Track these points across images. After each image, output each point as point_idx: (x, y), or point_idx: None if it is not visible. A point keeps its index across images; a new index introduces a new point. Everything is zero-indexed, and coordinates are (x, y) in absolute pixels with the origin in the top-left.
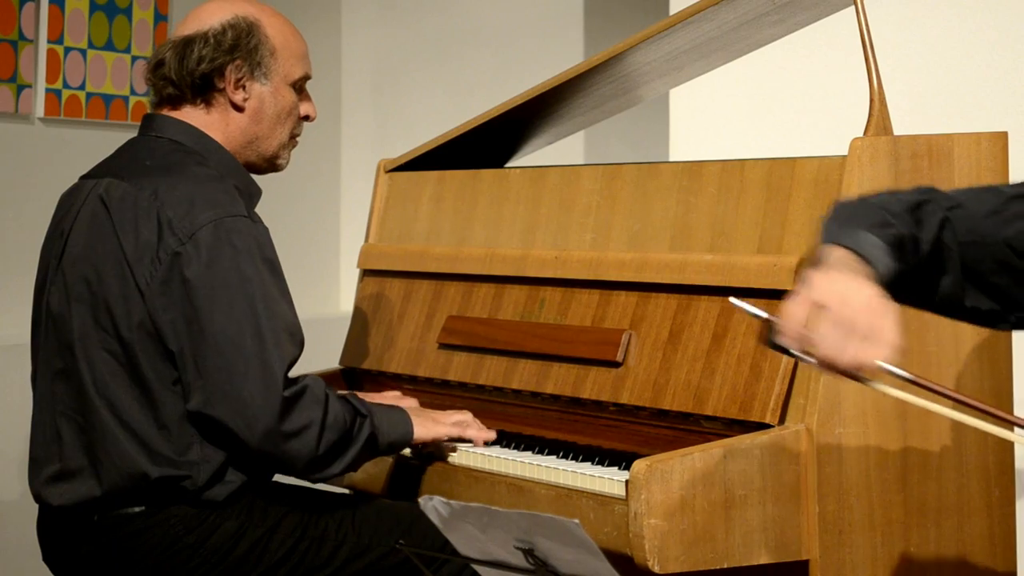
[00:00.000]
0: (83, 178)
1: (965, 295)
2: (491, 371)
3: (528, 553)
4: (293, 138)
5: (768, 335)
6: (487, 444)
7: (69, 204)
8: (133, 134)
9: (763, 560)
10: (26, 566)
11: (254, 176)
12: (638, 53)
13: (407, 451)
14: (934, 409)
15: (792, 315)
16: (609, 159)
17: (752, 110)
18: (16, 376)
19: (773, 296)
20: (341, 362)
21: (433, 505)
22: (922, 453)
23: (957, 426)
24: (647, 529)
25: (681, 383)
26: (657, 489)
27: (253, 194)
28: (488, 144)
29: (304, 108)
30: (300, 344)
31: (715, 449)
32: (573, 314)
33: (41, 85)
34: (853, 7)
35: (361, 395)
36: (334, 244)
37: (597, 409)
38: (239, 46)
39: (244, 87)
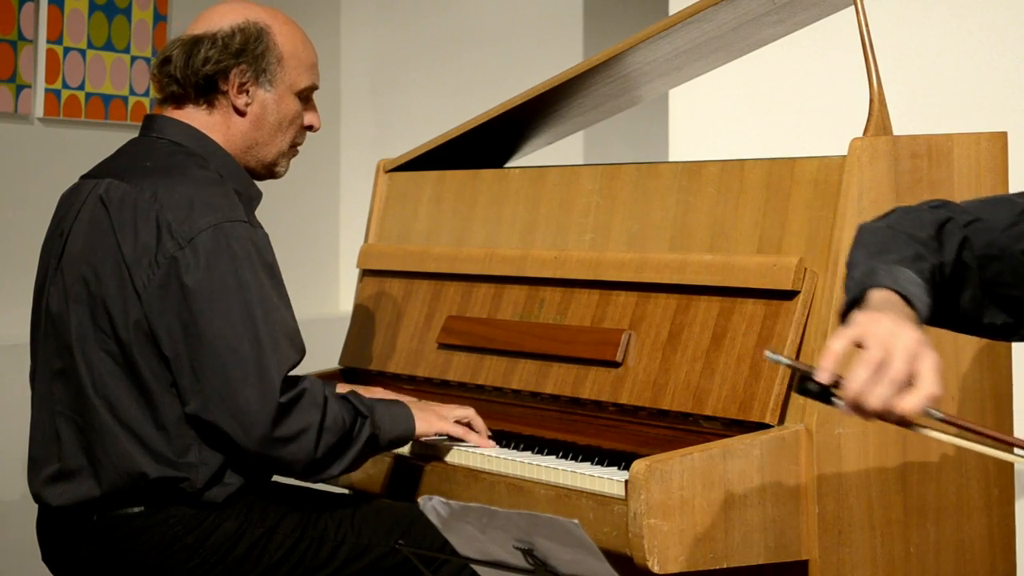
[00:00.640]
0: (83, 178)
1: (984, 311)
2: (490, 371)
3: (527, 553)
4: (294, 147)
5: (800, 382)
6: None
7: (69, 204)
8: (132, 134)
9: (762, 560)
10: (25, 566)
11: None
12: (638, 53)
13: (406, 448)
14: (976, 449)
15: (831, 353)
16: (609, 159)
17: (752, 110)
18: (16, 376)
19: (772, 296)
20: (340, 362)
21: (432, 505)
22: (921, 453)
23: None
24: (646, 529)
25: (680, 383)
26: (656, 489)
27: (253, 197)
28: (488, 144)
29: (308, 118)
30: (300, 350)
31: (714, 449)
32: (572, 314)
33: (40, 85)
34: (853, 7)
35: (362, 389)
36: (333, 244)
37: (596, 409)
38: (246, 51)
39: (247, 92)
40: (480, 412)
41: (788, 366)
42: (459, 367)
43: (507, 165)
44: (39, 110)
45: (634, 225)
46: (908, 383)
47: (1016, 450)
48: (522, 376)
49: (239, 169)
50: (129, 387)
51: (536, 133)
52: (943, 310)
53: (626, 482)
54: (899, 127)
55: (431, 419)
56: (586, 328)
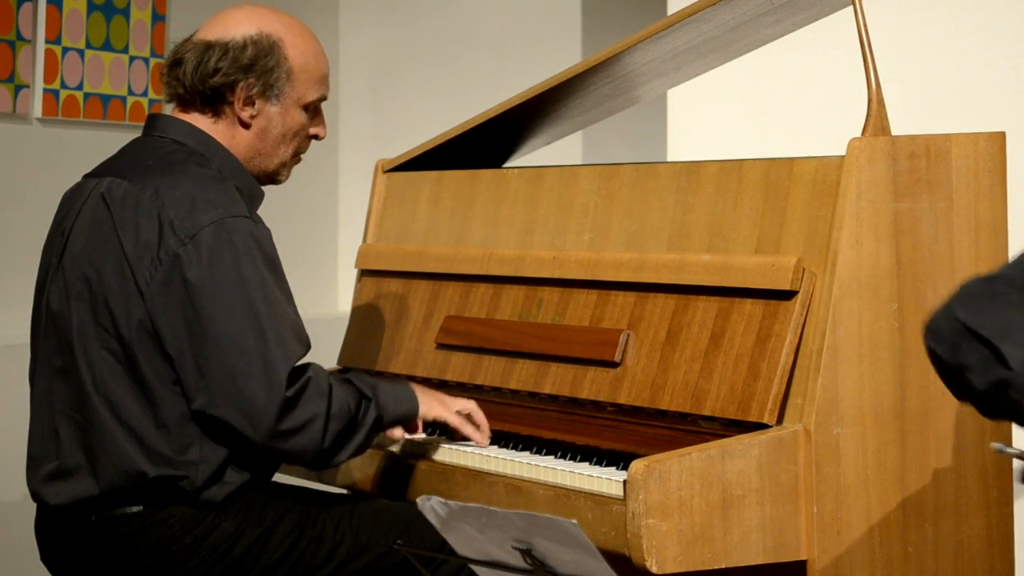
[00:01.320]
0: (86, 177)
1: None
2: (489, 371)
3: (526, 553)
4: (297, 155)
5: None
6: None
7: (71, 203)
8: (131, 134)
9: (761, 560)
10: (24, 565)
11: None
12: (636, 53)
13: (404, 447)
14: None
15: None
16: (607, 159)
17: (750, 110)
18: (16, 375)
19: (770, 296)
20: (339, 362)
21: (431, 505)
22: (920, 453)
23: (955, 426)
24: (645, 529)
25: (679, 383)
26: (655, 489)
27: (255, 196)
28: (486, 144)
29: (314, 128)
30: (305, 344)
31: (713, 449)
32: (571, 314)
33: (39, 85)
34: (851, 7)
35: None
36: (332, 244)
37: (595, 409)
38: (255, 65)
39: (253, 105)
40: None
41: (1017, 457)
42: (457, 367)
43: (506, 165)
44: (37, 110)
45: (632, 225)
46: None
47: None
48: (520, 376)
49: (241, 168)
50: (130, 385)
51: (534, 133)
52: None
53: (624, 482)
54: (897, 127)
55: (433, 403)
56: (584, 328)
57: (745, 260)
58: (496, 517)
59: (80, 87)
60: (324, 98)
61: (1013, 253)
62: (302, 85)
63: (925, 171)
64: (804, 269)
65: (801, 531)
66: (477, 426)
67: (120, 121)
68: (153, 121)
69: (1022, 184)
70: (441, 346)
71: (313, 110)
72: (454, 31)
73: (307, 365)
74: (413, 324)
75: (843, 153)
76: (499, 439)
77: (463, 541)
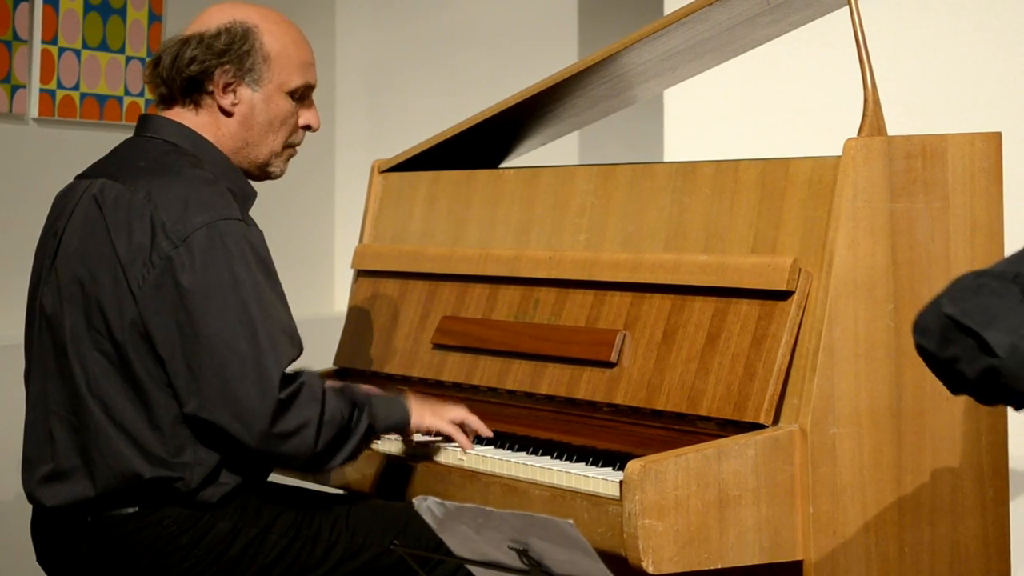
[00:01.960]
0: (78, 178)
1: None
2: (485, 371)
3: (522, 554)
4: (290, 147)
5: None
6: (481, 444)
7: (63, 204)
8: (127, 135)
9: (757, 560)
10: (21, 566)
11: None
12: (632, 53)
13: (401, 449)
14: None
15: None
16: (604, 159)
17: (746, 110)
18: (10, 376)
19: (766, 296)
20: (335, 363)
21: (427, 505)
22: (916, 453)
23: (951, 427)
24: (641, 529)
25: (675, 383)
26: (651, 489)
27: (248, 196)
28: (482, 144)
29: (305, 117)
30: (298, 346)
31: (709, 449)
32: (567, 314)
33: (35, 85)
34: (847, 7)
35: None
36: (328, 244)
37: (591, 409)
38: (230, 50)
39: (233, 92)
40: (475, 413)
41: None
42: (454, 367)
43: (502, 165)
44: (34, 110)
45: (629, 225)
46: None
47: None
48: (517, 376)
49: (233, 168)
50: (123, 387)
51: (531, 133)
52: None
53: (621, 482)
54: (893, 127)
55: (425, 414)
56: (581, 328)
57: (741, 260)
58: (492, 517)
59: (76, 87)
60: (310, 86)
61: (1009, 253)
62: (282, 70)
63: (921, 171)
64: (800, 269)
65: (797, 531)
66: (471, 433)
67: (116, 121)
68: (144, 122)
69: (1018, 184)
70: (437, 346)
71: (300, 98)
72: (450, 31)
73: (301, 371)
74: (409, 324)
75: (839, 153)
76: (495, 439)
77: (459, 541)
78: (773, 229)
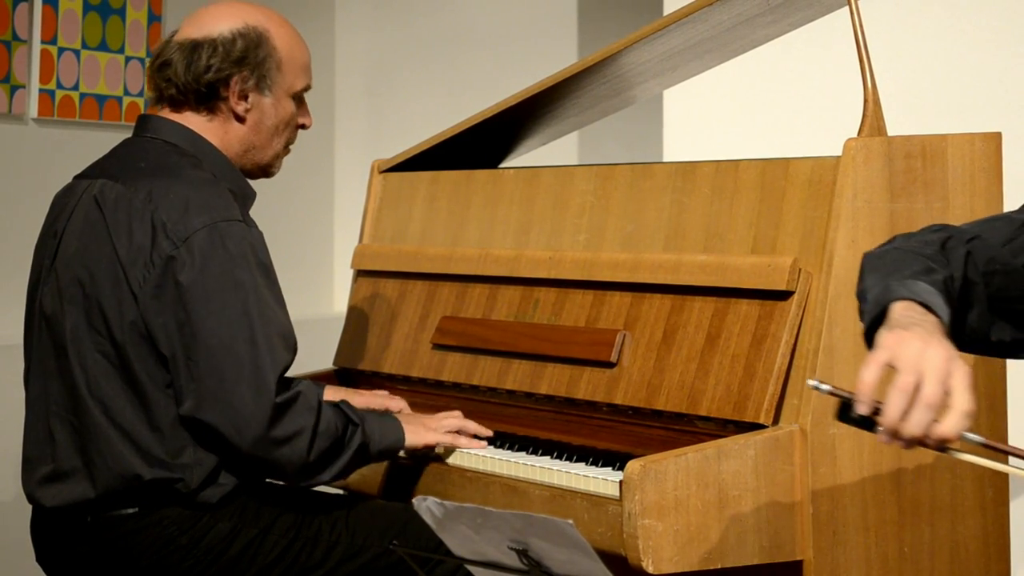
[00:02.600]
0: (77, 178)
1: (991, 329)
2: (485, 372)
3: (522, 554)
4: (288, 146)
5: (842, 410)
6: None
7: (63, 204)
8: (127, 135)
9: (757, 560)
10: (20, 567)
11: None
12: (632, 53)
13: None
14: (1019, 474)
15: (865, 384)
16: (603, 159)
17: (746, 110)
18: (11, 377)
19: (766, 296)
20: (335, 363)
21: (427, 506)
22: (916, 454)
23: None
24: (641, 529)
25: (675, 383)
26: (651, 489)
27: (248, 196)
28: (482, 144)
29: (302, 117)
30: (293, 349)
31: (709, 449)
32: (567, 314)
33: (35, 85)
34: (847, 7)
35: (350, 392)
36: (328, 245)
37: (591, 409)
38: (247, 58)
39: (247, 98)
40: (474, 413)
41: (830, 394)
42: (453, 368)
43: (501, 166)
44: (33, 110)
45: (628, 225)
46: (943, 403)
47: None
48: (516, 376)
49: (233, 169)
50: (123, 388)
51: (530, 133)
52: (953, 329)
53: (621, 482)
54: (893, 127)
55: (419, 431)
56: (580, 328)
57: (741, 260)
58: (492, 517)
59: (76, 87)
60: (309, 87)
61: None
62: (291, 74)
63: (921, 171)
64: (800, 269)
65: (797, 531)
66: (471, 436)
67: (116, 121)
68: (144, 122)
69: (1018, 184)
70: (437, 346)
71: (299, 99)
72: (450, 32)
73: (297, 380)
74: (409, 324)
75: (839, 153)
76: (495, 439)
77: (459, 541)
78: (773, 229)
